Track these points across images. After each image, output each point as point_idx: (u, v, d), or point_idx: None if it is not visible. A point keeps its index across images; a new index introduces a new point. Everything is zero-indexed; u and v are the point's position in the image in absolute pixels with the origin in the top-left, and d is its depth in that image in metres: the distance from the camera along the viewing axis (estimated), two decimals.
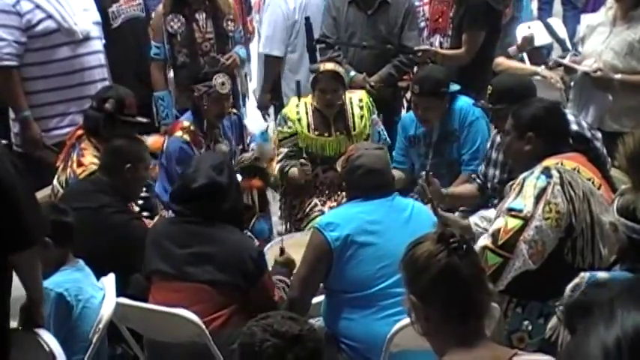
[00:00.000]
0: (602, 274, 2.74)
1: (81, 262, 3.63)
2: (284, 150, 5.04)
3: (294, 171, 4.98)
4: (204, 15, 5.44)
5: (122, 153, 4.17)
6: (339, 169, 4.02)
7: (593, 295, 2.53)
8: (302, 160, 4.93)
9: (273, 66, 5.95)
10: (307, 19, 5.46)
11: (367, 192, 3.71)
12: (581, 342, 1.12)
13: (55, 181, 4.54)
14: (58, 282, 3.50)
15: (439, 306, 2.19)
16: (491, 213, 3.82)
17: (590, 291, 2.60)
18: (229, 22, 5.51)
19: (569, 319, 2.56)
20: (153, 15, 5.76)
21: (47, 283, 3.46)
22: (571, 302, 2.62)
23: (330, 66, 5.02)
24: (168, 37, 5.41)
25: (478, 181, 4.60)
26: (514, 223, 3.32)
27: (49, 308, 3.40)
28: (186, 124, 4.91)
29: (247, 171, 4.99)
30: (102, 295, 3.60)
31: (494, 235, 3.33)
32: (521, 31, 6.89)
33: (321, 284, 3.74)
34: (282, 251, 3.94)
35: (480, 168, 4.60)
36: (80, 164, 4.44)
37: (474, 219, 3.98)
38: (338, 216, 3.73)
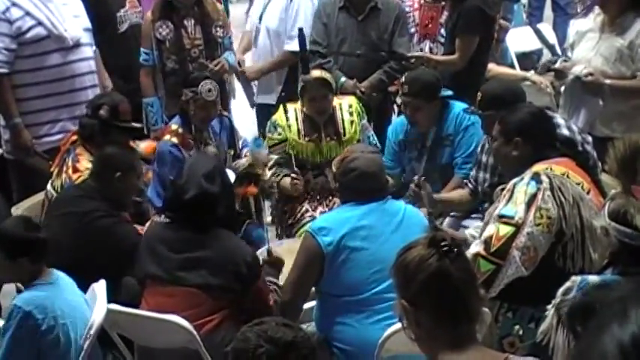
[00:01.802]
0: (593, 278, 2.75)
1: (55, 273, 3.57)
2: (274, 157, 5.03)
3: (286, 183, 4.98)
4: (192, 21, 5.44)
5: (113, 161, 4.16)
6: (334, 169, 4.02)
7: (597, 297, 2.54)
8: (293, 175, 4.93)
9: (290, 62, 5.86)
10: (300, 30, 5.45)
11: (360, 195, 3.72)
12: (594, 342, 1.13)
13: (49, 186, 4.54)
14: (27, 299, 3.45)
15: (430, 310, 2.20)
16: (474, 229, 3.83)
17: (593, 292, 2.61)
18: (218, 29, 5.51)
19: (571, 321, 2.57)
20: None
21: (17, 300, 3.45)
22: (573, 304, 2.62)
23: (316, 73, 5.03)
24: (156, 44, 5.41)
25: (470, 185, 4.61)
26: (506, 230, 3.32)
27: (12, 324, 3.39)
28: (174, 127, 4.91)
29: (242, 178, 4.98)
30: (80, 305, 3.57)
31: (487, 243, 3.34)
32: (512, 35, 6.93)
33: (313, 289, 3.74)
34: (269, 253, 3.94)
35: (471, 172, 4.61)
36: (76, 170, 4.44)
37: (469, 231, 3.98)
38: (330, 220, 3.73)
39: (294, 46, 5.71)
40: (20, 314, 3.38)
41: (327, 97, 5.00)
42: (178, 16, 5.43)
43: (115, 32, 5.53)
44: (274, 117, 5.15)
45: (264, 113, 5.85)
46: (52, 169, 4.61)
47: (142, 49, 5.48)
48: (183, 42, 5.43)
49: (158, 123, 5.46)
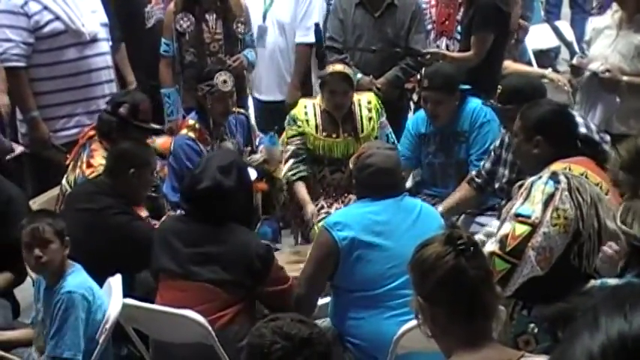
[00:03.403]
0: (612, 281, 2.73)
1: (74, 263, 3.64)
2: (291, 147, 5.03)
3: (302, 195, 4.95)
4: (214, 16, 5.43)
5: (127, 157, 4.17)
6: (351, 166, 4.02)
7: (577, 304, 2.52)
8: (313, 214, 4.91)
9: (308, 56, 5.84)
10: (317, 25, 5.42)
11: (376, 191, 3.71)
12: (566, 350, 1.11)
13: (63, 181, 4.55)
14: (75, 284, 3.53)
15: (446, 307, 2.20)
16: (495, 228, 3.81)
17: (574, 299, 2.59)
18: (240, 25, 5.49)
19: (551, 328, 2.55)
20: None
21: (66, 289, 3.50)
22: (553, 311, 2.60)
23: (339, 67, 5.01)
24: (177, 36, 5.42)
25: (477, 180, 4.60)
26: (522, 229, 3.30)
27: (78, 312, 3.47)
28: (191, 122, 4.91)
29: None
30: (99, 289, 3.65)
31: (502, 242, 3.31)
32: (530, 33, 6.90)
33: (328, 284, 3.75)
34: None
35: (485, 165, 4.58)
36: (89, 165, 4.45)
37: (479, 237, 3.97)
38: (346, 215, 3.74)
39: (307, 38, 5.70)
40: (78, 297, 3.47)
41: (347, 93, 4.99)
42: (200, 9, 5.42)
43: (142, 28, 5.57)
44: (293, 111, 5.14)
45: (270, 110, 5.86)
46: (67, 163, 4.62)
47: (162, 40, 5.48)
48: (203, 36, 5.42)
49: (174, 114, 5.47)
